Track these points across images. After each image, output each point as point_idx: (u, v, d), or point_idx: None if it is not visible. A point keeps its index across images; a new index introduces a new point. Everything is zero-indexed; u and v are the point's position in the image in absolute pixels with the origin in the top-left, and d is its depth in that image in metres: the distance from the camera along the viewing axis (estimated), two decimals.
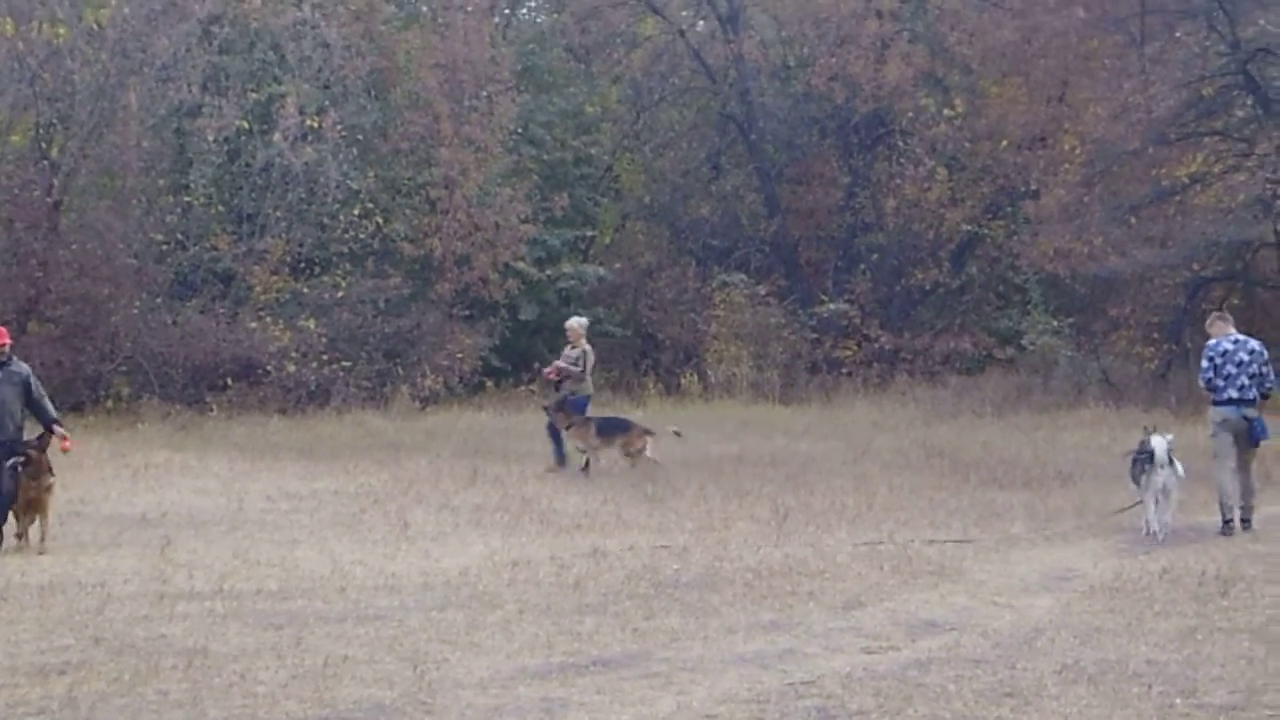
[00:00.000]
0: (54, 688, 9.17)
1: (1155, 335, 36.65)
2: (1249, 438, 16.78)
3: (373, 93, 37.43)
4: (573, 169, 41.37)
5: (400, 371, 34.10)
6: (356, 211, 35.25)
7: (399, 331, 34.89)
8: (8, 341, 15.78)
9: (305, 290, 34.52)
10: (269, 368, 32.33)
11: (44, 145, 32.23)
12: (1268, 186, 32.62)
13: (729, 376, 37.16)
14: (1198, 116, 36.94)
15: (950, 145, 41.44)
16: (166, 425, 28.40)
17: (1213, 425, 16.94)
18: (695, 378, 37.50)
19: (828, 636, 10.79)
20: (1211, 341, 17.07)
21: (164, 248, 33.63)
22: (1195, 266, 35.55)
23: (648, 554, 14.57)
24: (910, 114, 42.10)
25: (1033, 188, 38.83)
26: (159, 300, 32.68)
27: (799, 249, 43.65)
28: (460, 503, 18.81)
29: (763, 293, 39.70)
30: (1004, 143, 39.94)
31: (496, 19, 42.71)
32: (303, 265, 35.28)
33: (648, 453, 22.12)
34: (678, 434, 23.44)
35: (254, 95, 34.94)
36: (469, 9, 38.97)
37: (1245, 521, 16.72)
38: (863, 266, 41.84)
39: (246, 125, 34.37)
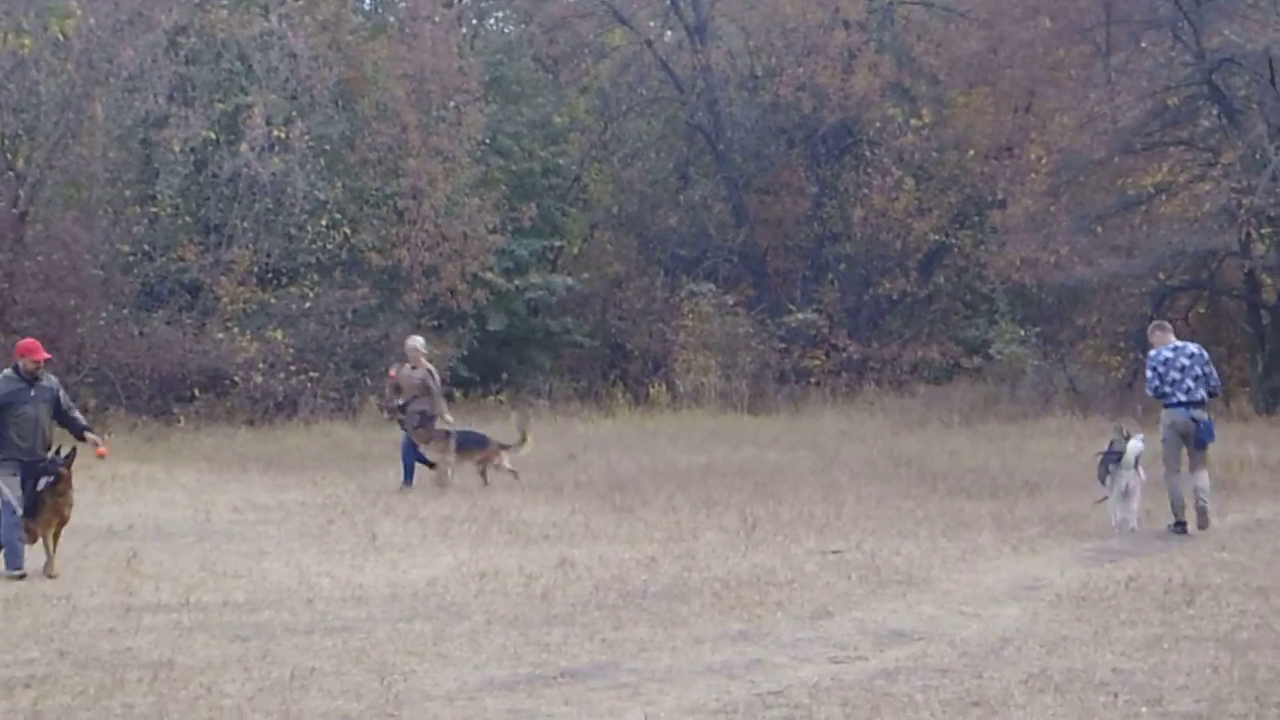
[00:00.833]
0: (19, 701, 9.14)
1: (1122, 344, 36.80)
2: (1196, 440, 17.52)
3: (340, 103, 37.41)
4: (541, 179, 41.37)
5: (368, 382, 34.03)
6: (324, 222, 35.22)
7: (367, 342, 34.84)
8: (44, 358, 15.31)
9: (273, 301, 34.46)
10: (236, 378, 32.26)
11: (9, 156, 32.12)
12: (1232, 196, 32.79)
13: (697, 386, 37.19)
14: (1163, 126, 37.11)
15: (917, 155, 41.56)
16: (133, 436, 28.30)
17: (1164, 429, 17.66)
18: (664, 387, 37.52)
19: (795, 646, 10.79)
20: (1152, 352, 17.87)
21: (130, 258, 33.53)
22: (1161, 275, 35.71)
23: (616, 565, 14.56)
24: (878, 124, 42.25)
25: (999, 197, 39.00)
26: (125, 311, 32.58)
27: (767, 259, 43.74)
28: (428, 514, 18.77)
29: (731, 302, 39.77)
30: (971, 153, 40.14)
31: (464, 29, 42.74)
32: (270, 276, 35.22)
33: (506, 464, 22.11)
34: (523, 436, 23.13)
35: (221, 106, 34.90)
36: (436, 19, 38.95)
37: (1202, 516, 17.27)
38: (830, 276, 41.97)
39: (213, 136, 34.29)
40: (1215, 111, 36.62)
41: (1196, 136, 37.49)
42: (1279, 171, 31.89)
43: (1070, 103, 38.15)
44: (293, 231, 34.88)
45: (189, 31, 34.84)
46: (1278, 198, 31.96)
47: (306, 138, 34.43)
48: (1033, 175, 38.30)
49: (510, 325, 38.53)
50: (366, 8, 44.12)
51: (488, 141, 38.45)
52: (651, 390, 37.69)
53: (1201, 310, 38.70)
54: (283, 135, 34.26)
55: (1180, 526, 17.10)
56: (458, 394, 36.04)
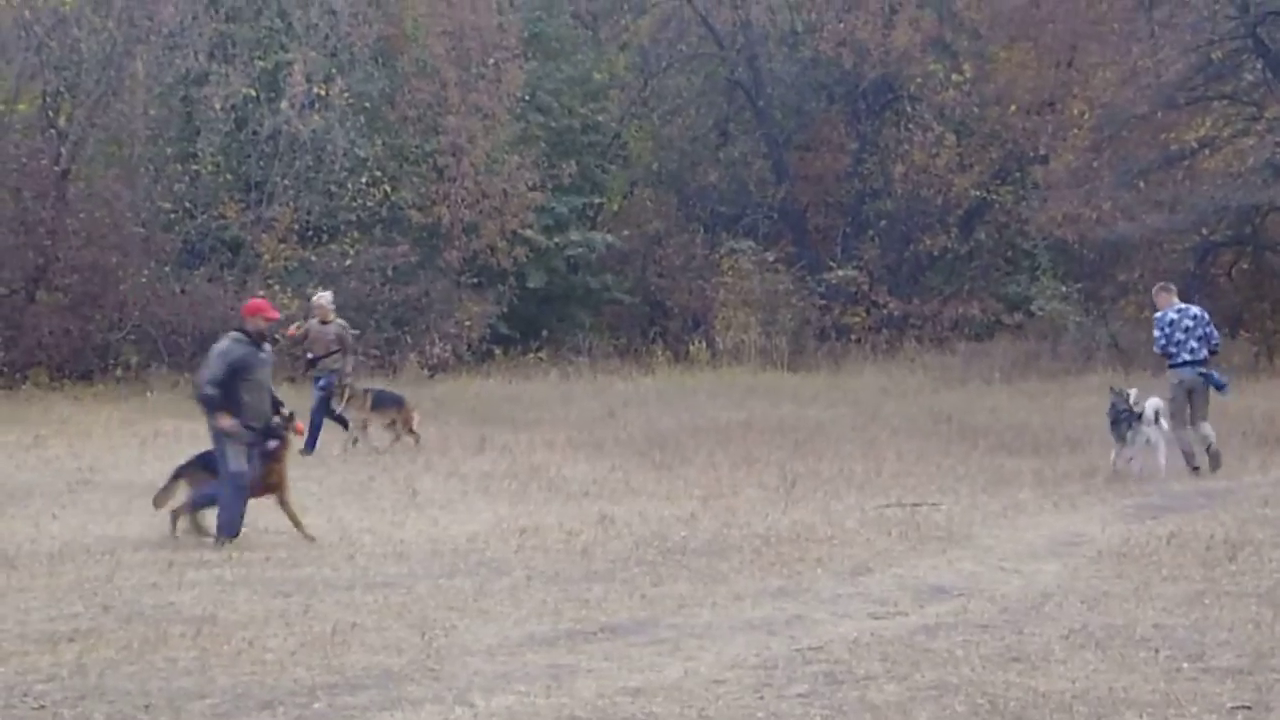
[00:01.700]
0: (63, 655, 9.20)
1: None
2: (1213, 387, 18.84)
3: (380, 60, 37.38)
4: (580, 136, 41.31)
5: (408, 339, 34.12)
6: (364, 179, 35.24)
7: (407, 299, 34.89)
8: (275, 317, 14.96)
9: (313, 258, 34.51)
10: (277, 336, 32.31)
11: (51, 114, 32.24)
12: (1276, 150, 32.57)
13: (737, 343, 37.14)
14: (1207, 80, 36.78)
15: (959, 111, 41.31)
16: (175, 394, 28.37)
17: (1171, 388, 18.76)
18: (704, 345, 37.48)
19: (835, 602, 10.79)
20: (1158, 314, 19.14)
21: (172, 216, 33.66)
22: (1204, 231, 35.44)
23: (656, 521, 14.58)
24: (919, 79, 41.99)
25: (1041, 153, 38.74)
26: (167, 269, 32.70)
27: (807, 215, 43.61)
28: (468, 470, 18.83)
29: (771, 259, 39.69)
30: (1012, 108, 39.84)
31: None
32: (310, 233, 35.26)
33: (415, 427, 21.80)
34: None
35: (261, 63, 34.93)
36: None
37: (1215, 458, 18.49)
38: (871, 233, 41.80)
39: (254, 93, 34.33)
40: (1259, 65, 36.27)
41: (1240, 91, 37.15)
42: None
43: (1113, 57, 37.86)
44: (333, 189, 34.92)
45: None
46: None
47: (346, 95, 34.44)
48: (1075, 130, 37.99)
49: (550, 282, 38.52)
50: None
51: (527, 98, 38.38)
52: (691, 347, 37.67)
53: (1245, 266, 38.43)
54: (323, 92, 34.28)
55: (1195, 470, 18.28)
56: (498, 351, 36.13)
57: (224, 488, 13.93)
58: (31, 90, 32.49)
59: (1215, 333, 19.13)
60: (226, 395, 13.94)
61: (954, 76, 42.25)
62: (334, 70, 34.92)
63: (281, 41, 35.72)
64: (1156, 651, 9.14)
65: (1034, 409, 25.94)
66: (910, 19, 40.48)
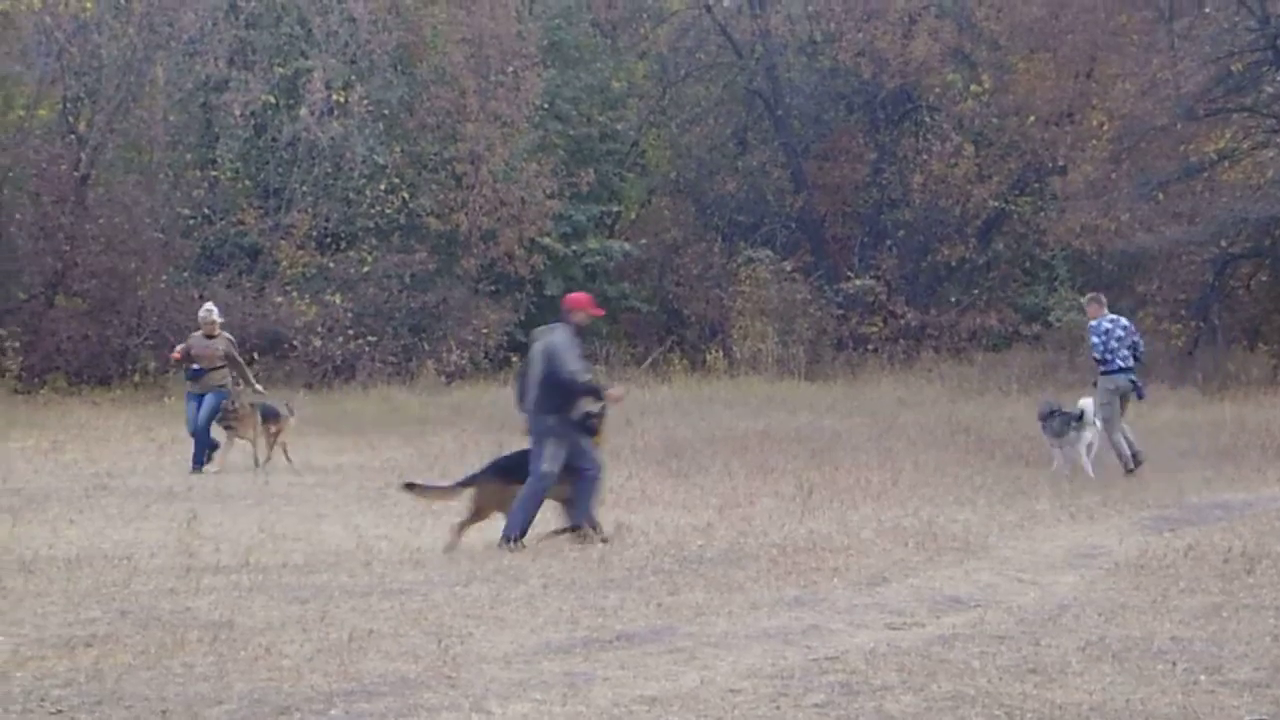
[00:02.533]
0: (81, 660, 9.20)
1: (1182, 312, 36.52)
2: (1137, 396, 20.41)
3: (399, 67, 37.48)
4: (599, 144, 41.37)
5: (426, 346, 34.19)
6: (382, 186, 35.34)
7: (425, 307, 34.96)
8: (600, 312, 15.21)
9: (331, 265, 34.60)
10: (295, 342, 32.44)
11: (71, 119, 32.37)
12: None
13: (754, 352, 37.14)
14: (1226, 92, 36.75)
15: (977, 121, 41.32)
16: None
17: (1105, 393, 19.97)
18: (721, 354, 37.50)
19: (852, 612, 10.78)
20: (1093, 323, 20.68)
21: (190, 222, 33.77)
22: (1223, 243, 35.40)
23: (672, 530, 14.58)
24: (937, 89, 42.02)
25: (1060, 164, 38.74)
26: (185, 275, 32.81)
27: (825, 225, 43.62)
28: None
29: (788, 269, 39.69)
30: (1031, 119, 39.83)
31: None
32: (329, 240, 35.36)
33: (287, 438, 21.21)
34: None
35: (280, 70, 35.05)
36: None
37: (1138, 458, 19.73)
38: (889, 242, 41.79)
39: (273, 100, 34.47)
40: (1279, 77, 36.26)
41: (1260, 103, 37.10)
42: None
43: (1132, 68, 37.84)
44: (351, 196, 35.03)
45: None
46: None
47: (365, 102, 34.54)
48: (1094, 141, 38.00)
49: (567, 290, 38.38)
50: None
51: (546, 106, 38.45)
52: (709, 356, 37.69)
53: (1264, 278, 38.39)
54: (342, 99, 34.39)
55: (1131, 472, 19.51)
56: (515, 359, 36.16)
57: (530, 486, 13.83)
58: (52, 96, 32.63)
59: (1141, 342, 21.01)
60: (555, 387, 13.88)
61: (973, 87, 42.28)
62: (353, 77, 35.03)
63: (301, 48, 35.83)
64: (1174, 664, 9.12)
65: None
66: (929, 29, 40.48)
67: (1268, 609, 10.79)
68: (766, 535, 14.24)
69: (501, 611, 10.72)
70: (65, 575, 12.11)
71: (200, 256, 33.93)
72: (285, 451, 21.01)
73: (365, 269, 34.49)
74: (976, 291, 41.32)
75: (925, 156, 41.05)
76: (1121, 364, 20.16)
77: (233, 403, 20.40)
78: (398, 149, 36.26)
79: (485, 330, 35.21)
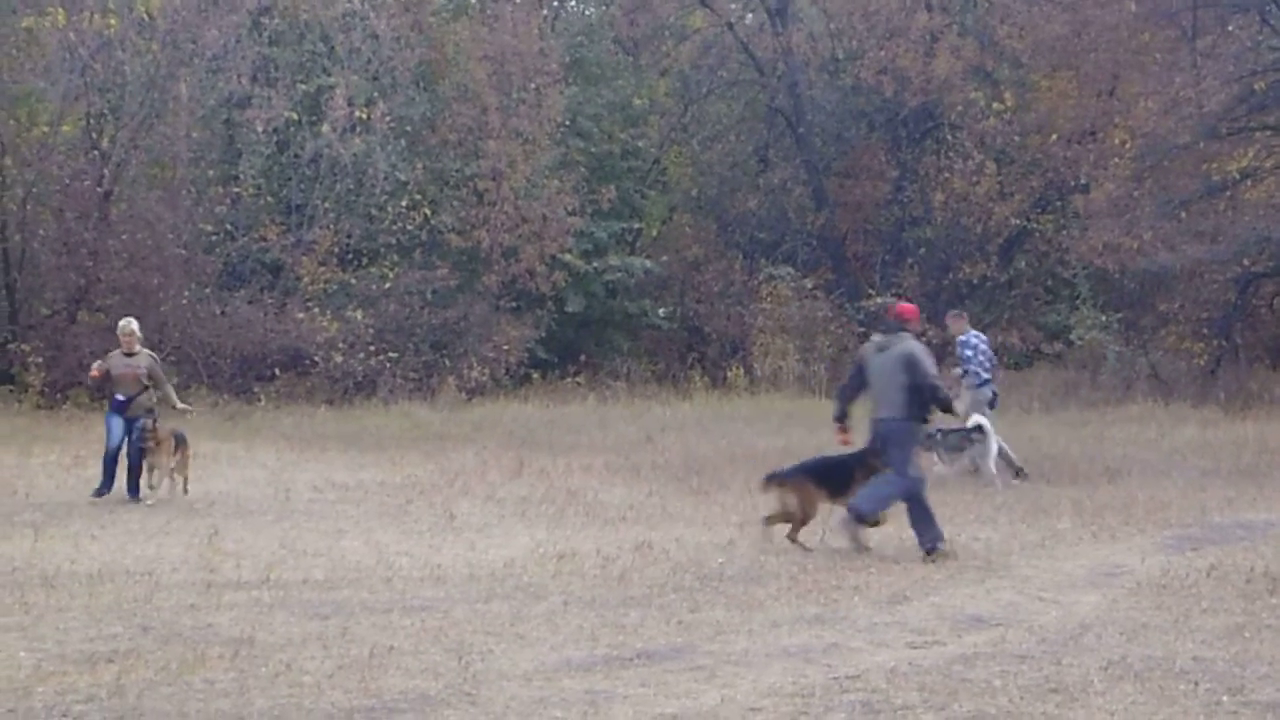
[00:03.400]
0: (102, 675, 9.23)
1: (1205, 331, 36.41)
2: (991, 406, 21.34)
3: (421, 84, 37.55)
4: (620, 161, 41.39)
5: (447, 363, 34.19)
6: (404, 203, 35.39)
7: (446, 323, 34.97)
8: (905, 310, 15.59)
9: (353, 281, 34.65)
10: (316, 358, 32.48)
11: (95, 135, 32.47)
12: None
13: (775, 370, 37.13)
14: (1249, 111, 36.64)
15: (999, 139, 41.24)
16: (214, 415, 28.52)
17: (977, 405, 20.82)
18: (741, 371, 37.49)
19: (872, 631, 10.77)
20: (963, 337, 21.63)
21: (213, 238, 33.87)
22: (1246, 262, 35.27)
23: (693, 547, 14.57)
24: (959, 108, 41.94)
25: (1082, 182, 38.66)
26: (208, 290, 32.86)
27: (846, 242, 43.56)
28: (506, 495, 18.84)
29: (810, 286, 39.67)
30: (1053, 137, 39.78)
31: (545, 11, 42.80)
32: (350, 256, 35.42)
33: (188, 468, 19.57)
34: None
35: (303, 86, 35.15)
36: (517, 1, 39.04)
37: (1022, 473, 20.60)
38: (910, 260, 41.74)
39: (295, 116, 34.54)
40: None
41: None
42: None
43: (1155, 87, 37.74)
44: (373, 212, 35.10)
45: (272, 12, 35.19)
46: None
47: (388, 119, 34.60)
48: (1116, 160, 37.91)
49: (589, 307, 38.59)
50: None
51: (568, 123, 38.48)
52: (729, 373, 37.67)
53: None
54: (364, 116, 34.45)
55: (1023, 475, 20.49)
56: (535, 375, 36.16)
57: (896, 485, 14.56)
58: (76, 112, 32.72)
59: (994, 356, 22.26)
60: (920, 392, 14.70)
61: (995, 105, 42.22)
62: (375, 94, 35.10)
63: (324, 65, 35.93)
64: (1196, 684, 9.10)
65: (1073, 438, 25.82)
66: (951, 47, 40.43)
67: None
68: (787, 553, 14.25)
69: (522, 629, 10.73)
70: (87, 590, 12.15)
71: (222, 272, 34.00)
72: (185, 482, 19.13)
73: (387, 285, 34.52)
74: (998, 310, 41.24)
75: (947, 174, 41.03)
76: (987, 376, 21.30)
77: (153, 424, 18.55)
78: (420, 165, 36.30)
79: (506, 347, 35.20)
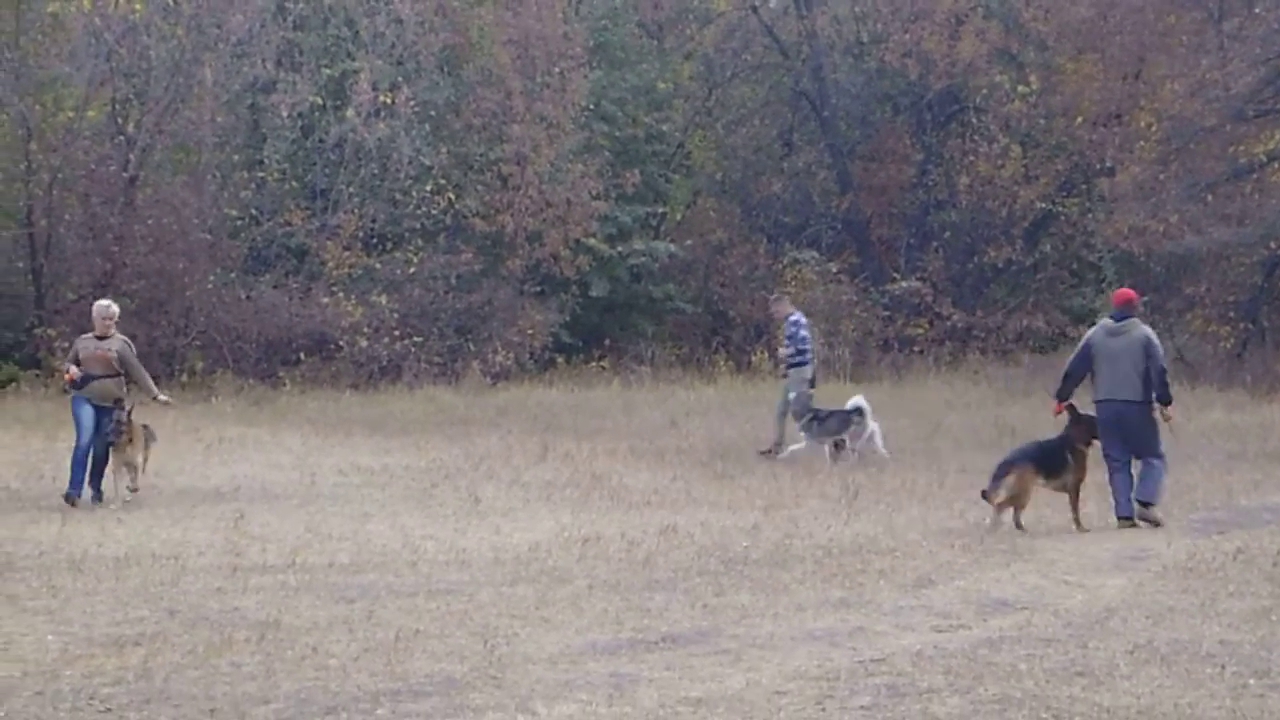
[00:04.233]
0: (129, 659, 9.26)
1: (1231, 314, 36.25)
2: (811, 385, 22.46)
3: (445, 69, 37.51)
4: (644, 145, 41.32)
5: (471, 347, 34.19)
6: (429, 187, 35.37)
7: (470, 307, 34.98)
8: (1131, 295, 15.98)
9: (378, 266, 34.64)
10: (341, 343, 32.50)
11: (120, 121, 32.49)
12: None
13: None
14: (1276, 93, 36.41)
15: (1024, 122, 41.14)
16: (240, 399, 28.61)
17: (803, 383, 22.02)
18: (766, 355, 37.40)
19: (898, 614, 10.76)
20: (795, 317, 22.48)
21: (238, 223, 33.90)
22: (1272, 245, 35.09)
23: (718, 531, 14.58)
24: (984, 90, 41.84)
25: (1108, 165, 38.49)
26: (233, 275, 32.91)
27: (871, 226, 43.48)
28: (531, 479, 18.87)
29: (834, 270, 39.61)
30: (1079, 119, 39.61)
31: None
32: (375, 241, 35.42)
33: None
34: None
35: (328, 71, 35.15)
36: None
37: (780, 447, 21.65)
38: (935, 244, 41.64)
39: (320, 101, 34.56)
40: None
41: None
42: None
43: (1181, 69, 37.54)
44: (398, 197, 35.08)
45: None
46: None
47: (412, 103, 34.57)
48: (1142, 143, 37.74)
49: (613, 291, 38.56)
50: None
51: (592, 107, 38.43)
52: (754, 358, 37.59)
53: None
54: (389, 101, 34.43)
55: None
56: (560, 360, 36.15)
57: (1161, 466, 15.38)
58: (101, 97, 32.74)
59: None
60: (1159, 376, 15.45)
61: (1020, 88, 42.09)
62: (400, 79, 35.06)
63: (348, 50, 35.91)
64: (1223, 668, 9.07)
65: None
66: (976, 30, 40.30)
67: None
68: (812, 537, 14.24)
69: (547, 612, 10.74)
70: (114, 574, 12.19)
71: (247, 257, 34.03)
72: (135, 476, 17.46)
73: (411, 270, 34.52)
74: (1023, 293, 41.16)
75: (972, 158, 40.93)
76: (811, 358, 22.60)
77: (128, 416, 17.14)
78: (444, 150, 36.26)
79: (530, 331, 35.20)
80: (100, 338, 17.50)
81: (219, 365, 31.29)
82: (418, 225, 35.57)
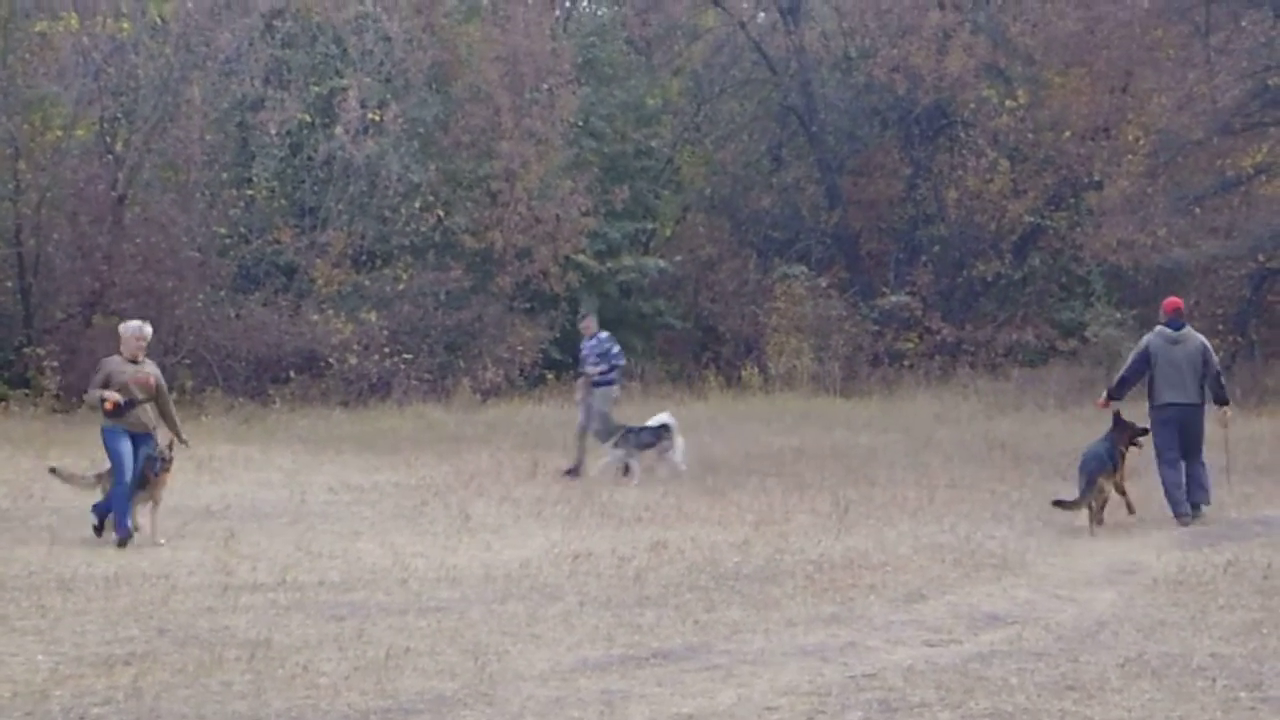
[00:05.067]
0: (119, 678, 9.25)
1: (1220, 327, 36.30)
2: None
3: (434, 86, 37.57)
4: (633, 161, 41.37)
5: (461, 364, 34.19)
6: (418, 204, 35.39)
7: (460, 324, 34.98)
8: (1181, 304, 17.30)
9: (367, 283, 34.64)
10: (331, 360, 32.47)
11: (108, 139, 32.48)
12: None
13: (790, 369, 37.05)
14: (1263, 106, 36.58)
15: (1013, 136, 41.21)
16: (230, 418, 28.57)
17: (609, 401, 22.07)
18: (756, 370, 37.42)
19: (889, 629, 10.76)
20: (603, 335, 22.56)
21: (227, 241, 33.87)
22: (1260, 258, 35.24)
23: (708, 547, 14.57)
24: (972, 105, 41.92)
25: (1096, 179, 38.59)
26: (222, 293, 32.88)
27: (860, 241, 43.56)
28: (521, 495, 18.85)
29: (824, 285, 39.64)
30: (1067, 133, 39.70)
31: (557, 11, 42.82)
32: (364, 258, 35.42)
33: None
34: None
35: (316, 89, 35.17)
36: (529, 2, 39.02)
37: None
38: (924, 258, 41.69)
39: (308, 119, 34.57)
40: None
41: None
42: None
43: (1168, 83, 37.66)
44: (387, 214, 35.09)
45: (285, 15, 35.19)
46: None
47: (400, 120, 34.61)
48: (1130, 156, 37.84)
49: (603, 308, 38.44)
50: None
51: (580, 124, 38.48)
52: (744, 373, 37.60)
53: None
54: (377, 118, 34.46)
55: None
56: (550, 376, 36.12)
57: (1206, 466, 17.04)
58: (89, 116, 32.74)
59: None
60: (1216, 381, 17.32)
61: (1008, 102, 42.18)
62: (388, 96, 35.10)
63: (336, 67, 35.92)
64: (1214, 681, 9.09)
65: (1089, 435, 25.61)
66: (964, 44, 40.39)
67: None
68: (803, 552, 14.24)
69: (538, 629, 10.74)
70: (104, 594, 12.17)
71: (236, 275, 34.00)
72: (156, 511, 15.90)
73: (400, 287, 34.53)
74: (1013, 307, 41.22)
75: (960, 172, 41.01)
76: (618, 375, 22.70)
77: (170, 450, 15.86)
78: (433, 167, 36.28)
79: (520, 348, 35.20)
80: (132, 361, 15.92)
81: (209, 383, 31.26)
82: (407, 242, 35.59)
